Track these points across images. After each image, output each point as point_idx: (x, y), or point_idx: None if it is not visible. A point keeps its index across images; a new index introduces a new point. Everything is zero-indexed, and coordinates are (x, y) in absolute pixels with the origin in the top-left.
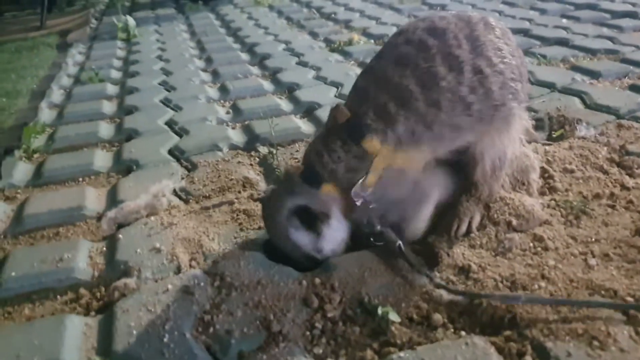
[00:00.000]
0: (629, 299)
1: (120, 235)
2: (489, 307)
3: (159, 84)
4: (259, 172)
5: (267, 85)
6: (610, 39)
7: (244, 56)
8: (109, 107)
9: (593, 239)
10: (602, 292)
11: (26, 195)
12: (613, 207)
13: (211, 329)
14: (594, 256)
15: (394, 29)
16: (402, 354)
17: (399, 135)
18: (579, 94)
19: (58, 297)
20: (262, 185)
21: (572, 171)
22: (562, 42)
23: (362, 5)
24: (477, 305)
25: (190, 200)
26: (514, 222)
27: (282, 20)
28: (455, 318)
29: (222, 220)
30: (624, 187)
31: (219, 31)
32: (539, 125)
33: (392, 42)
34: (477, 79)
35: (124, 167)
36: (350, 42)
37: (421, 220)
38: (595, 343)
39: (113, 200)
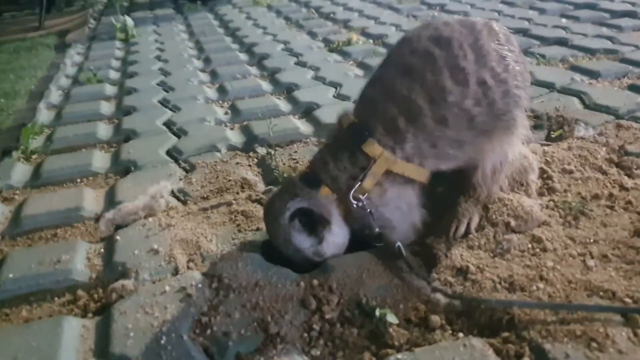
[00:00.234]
0: (628, 300)
1: (118, 237)
2: (487, 308)
3: (158, 84)
4: (258, 173)
5: (266, 85)
6: (610, 38)
7: (243, 56)
8: (107, 107)
9: (592, 240)
10: (601, 293)
11: (24, 196)
12: (612, 207)
13: (209, 331)
14: (592, 257)
15: (393, 29)
16: (399, 355)
17: (407, 152)
18: (578, 94)
19: (55, 298)
20: (261, 186)
21: (570, 172)
22: (561, 42)
23: (360, 4)
24: (475, 306)
25: (189, 202)
26: (513, 223)
27: (281, 20)
28: (453, 319)
29: (220, 221)
30: (622, 187)
31: (218, 31)
32: (537, 125)
33: (398, 51)
34: (482, 91)
35: (122, 168)
36: (349, 42)
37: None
38: (594, 345)
39: (111, 201)
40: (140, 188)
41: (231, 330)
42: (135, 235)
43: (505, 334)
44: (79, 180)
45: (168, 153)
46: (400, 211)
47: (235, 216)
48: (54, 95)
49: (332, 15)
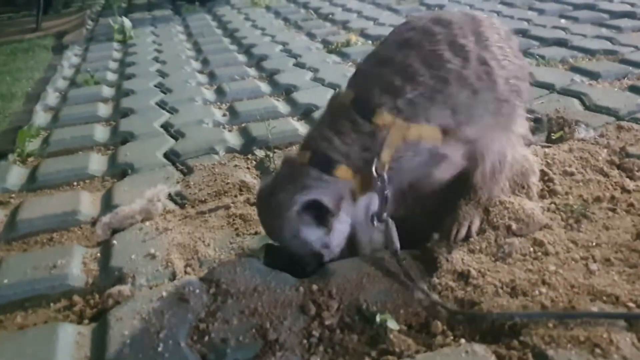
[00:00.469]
0: (631, 304)
1: (114, 241)
2: (490, 315)
3: (155, 86)
4: (256, 175)
5: (264, 87)
6: (609, 39)
7: (241, 57)
8: (104, 109)
9: (594, 243)
10: (604, 297)
11: (20, 199)
12: (614, 210)
13: (206, 338)
14: (595, 261)
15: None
16: None
17: (408, 103)
18: (578, 95)
19: (51, 304)
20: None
21: (572, 174)
22: (561, 43)
23: (359, 6)
24: (476, 312)
25: (186, 205)
26: (514, 226)
27: (279, 21)
28: (454, 325)
29: (218, 225)
30: (624, 190)
31: (216, 32)
32: (537, 127)
33: (397, 30)
34: (483, 69)
35: (119, 171)
36: (347, 43)
37: (437, 181)
38: (598, 351)
39: (108, 204)
40: (137, 191)
41: (229, 337)
42: (132, 239)
43: (508, 340)
44: (75, 183)
45: (165, 155)
46: (419, 167)
47: (234, 220)
48: (51, 97)
49: (330, 16)
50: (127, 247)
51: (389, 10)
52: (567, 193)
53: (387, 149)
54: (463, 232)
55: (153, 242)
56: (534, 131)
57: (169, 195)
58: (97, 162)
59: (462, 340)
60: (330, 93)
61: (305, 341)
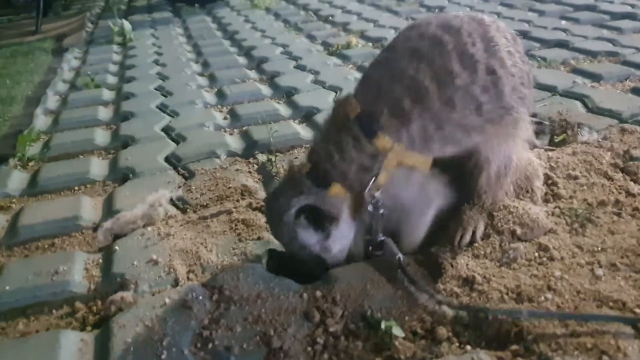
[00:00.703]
0: (638, 310)
1: (116, 247)
2: (495, 320)
3: (156, 89)
4: (258, 179)
5: (265, 89)
6: (611, 40)
7: (241, 60)
8: (104, 113)
9: (599, 248)
10: (610, 303)
11: (21, 205)
12: (619, 214)
13: (210, 345)
14: (600, 266)
15: (392, 32)
16: None
17: (412, 134)
18: (580, 98)
19: (53, 311)
20: (261, 194)
21: (576, 177)
22: (562, 45)
23: (359, 7)
24: (482, 318)
25: (188, 210)
26: (519, 231)
27: (279, 23)
28: (460, 332)
29: (220, 230)
30: (629, 193)
31: (216, 34)
32: (540, 130)
33: (405, 35)
34: (490, 79)
35: (120, 175)
36: (348, 45)
37: (422, 228)
38: (605, 358)
39: (109, 209)
40: (138, 196)
41: (233, 345)
42: (134, 245)
43: (514, 347)
44: (76, 188)
45: (167, 160)
46: (415, 199)
47: (236, 225)
48: (51, 100)
49: (331, 18)
50: (129, 252)
51: (388, 12)
52: (571, 197)
53: (383, 173)
54: (467, 237)
55: (155, 248)
56: (537, 135)
57: (171, 200)
58: (98, 167)
59: (468, 347)
60: (331, 96)
61: (309, 348)
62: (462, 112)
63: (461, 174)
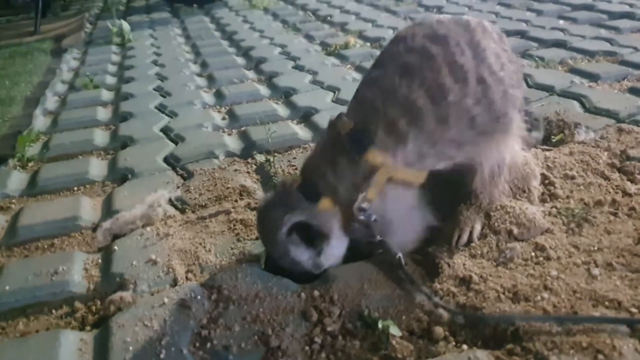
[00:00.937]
0: (634, 310)
1: (115, 247)
2: (491, 317)
3: (154, 89)
4: (256, 180)
5: (264, 90)
6: (608, 40)
7: (240, 60)
8: (103, 113)
9: (596, 248)
10: (606, 303)
11: (20, 205)
12: (615, 214)
13: (208, 344)
14: (597, 266)
15: (390, 32)
16: None
17: (408, 154)
18: (578, 97)
19: (53, 311)
20: (259, 194)
21: (572, 177)
22: (560, 44)
23: (357, 7)
24: (478, 319)
25: (187, 210)
26: (515, 230)
27: (278, 23)
28: (456, 331)
29: (218, 230)
30: (625, 193)
31: (214, 35)
32: (534, 125)
33: (393, 50)
34: (481, 89)
35: (119, 176)
36: (346, 46)
37: (412, 240)
38: (600, 357)
39: (108, 210)
40: (137, 196)
41: (231, 344)
42: (133, 245)
43: (510, 346)
44: (75, 188)
45: (165, 160)
46: (404, 216)
47: (234, 225)
48: (50, 101)
49: (329, 18)
50: (128, 253)
51: (386, 12)
52: (568, 197)
53: (373, 188)
54: (464, 237)
55: (154, 248)
56: (530, 131)
57: (170, 200)
58: (97, 167)
59: (464, 347)
60: (329, 96)
61: (307, 348)
62: (456, 129)
63: (456, 175)
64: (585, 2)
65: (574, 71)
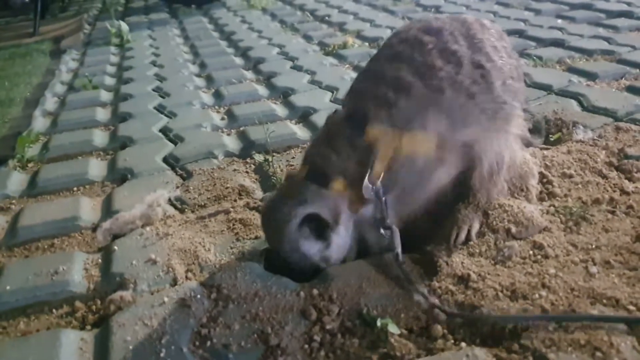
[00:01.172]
0: (631, 307)
1: (115, 247)
2: (490, 317)
3: (153, 90)
4: (255, 179)
5: (262, 90)
6: (606, 39)
7: (238, 60)
8: (103, 114)
9: (593, 246)
10: (604, 300)
11: (21, 206)
12: (613, 212)
13: (208, 343)
14: (594, 264)
15: (388, 31)
16: None
17: (401, 113)
18: (575, 96)
19: (53, 310)
20: (258, 193)
21: (570, 176)
22: (558, 43)
23: (355, 7)
24: (477, 315)
25: (186, 210)
26: (513, 229)
27: (276, 23)
28: (455, 329)
29: (218, 229)
30: (623, 191)
31: (213, 35)
32: (535, 128)
33: (387, 43)
34: (479, 73)
35: (119, 176)
36: (344, 46)
37: (435, 187)
38: (598, 354)
39: (108, 210)
40: (137, 196)
41: (231, 342)
42: (133, 245)
43: (509, 344)
44: (75, 188)
45: (165, 160)
46: (414, 184)
47: (234, 224)
48: (50, 102)
49: (327, 18)
50: (127, 252)
51: (385, 12)
52: (566, 195)
53: (379, 161)
54: (463, 235)
55: (154, 248)
56: (531, 132)
57: (169, 200)
58: (96, 168)
59: (463, 344)
60: (327, 96)
61: (306, 346)
62: (453, 96)
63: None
64: (583, 1)
65: (572, 70)
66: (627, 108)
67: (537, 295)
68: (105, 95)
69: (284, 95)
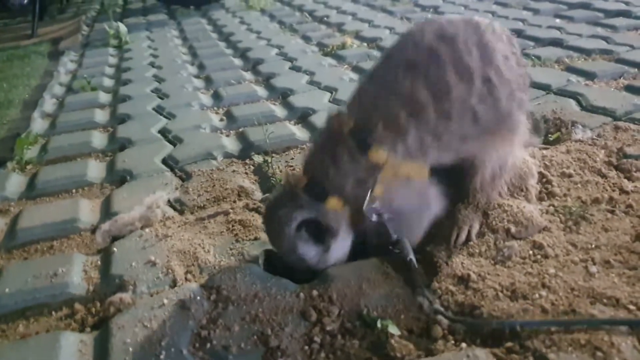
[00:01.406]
0: (631, 307)
1: (114, 248)
2: (490, 317)
3: (152, 91)
4: (254, 180)
5: (261, 91)
6: (605, 38)
7: (237, 61)
8: (101, 115)
9: (593, 245)
10: (604, 300)
11: (19, 208)
12: (612, 212)
13: (208, 345)
14: (594, 263)
15: (387, 32)
16: None
17: (408, 145)
18: (574, 96)
19: (53, 313)
20: (258, 195)
21: (570, 175)
22: (556, 43)
23: (354, 7)
24: (477, 315)
25: (185, 211)
26: (513, 229)
27: (274, 24)
28: (455, 330)
29: (217, 231)
30: (622, 191)
31: (211, 36)
32: (535, 127)
33: (400, 46)
34: (487, 88)
35: (118, 178)
36: (343, 46)
37: (419, 233)
38: (599, 354)
39: (107, 212)
40: (136, 198)
41: (231, 344)
42: (132, 246)
43: (509, 344)
44: (74, 190)
45: (164, 161)
46: (412, 210)
47: (233, 226)
48: (48, 104)
49: (325, 18)
50: (127, 254)
51: (383, 12)
52: (565, 195)
53: (379, 186)
54: (463, 236)
55: (153, 249)
56: (532, 133)
57: (168, 201)
58: (95, 169)
59: (463, 345)
60: (326, 96)
61: (306, 347)
62: (458, 123)
63: (456, 173)
64: (581, 0)
65: (571, 70)
66: (625, 107)
67: (537, 295)
68: (104, 97)
69: (283, 96)
